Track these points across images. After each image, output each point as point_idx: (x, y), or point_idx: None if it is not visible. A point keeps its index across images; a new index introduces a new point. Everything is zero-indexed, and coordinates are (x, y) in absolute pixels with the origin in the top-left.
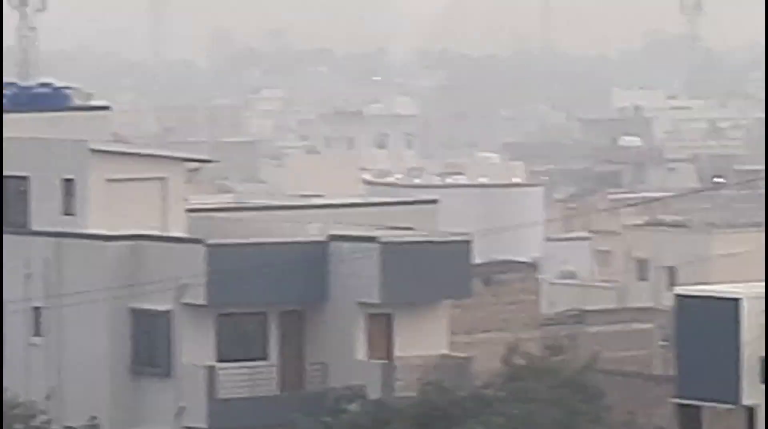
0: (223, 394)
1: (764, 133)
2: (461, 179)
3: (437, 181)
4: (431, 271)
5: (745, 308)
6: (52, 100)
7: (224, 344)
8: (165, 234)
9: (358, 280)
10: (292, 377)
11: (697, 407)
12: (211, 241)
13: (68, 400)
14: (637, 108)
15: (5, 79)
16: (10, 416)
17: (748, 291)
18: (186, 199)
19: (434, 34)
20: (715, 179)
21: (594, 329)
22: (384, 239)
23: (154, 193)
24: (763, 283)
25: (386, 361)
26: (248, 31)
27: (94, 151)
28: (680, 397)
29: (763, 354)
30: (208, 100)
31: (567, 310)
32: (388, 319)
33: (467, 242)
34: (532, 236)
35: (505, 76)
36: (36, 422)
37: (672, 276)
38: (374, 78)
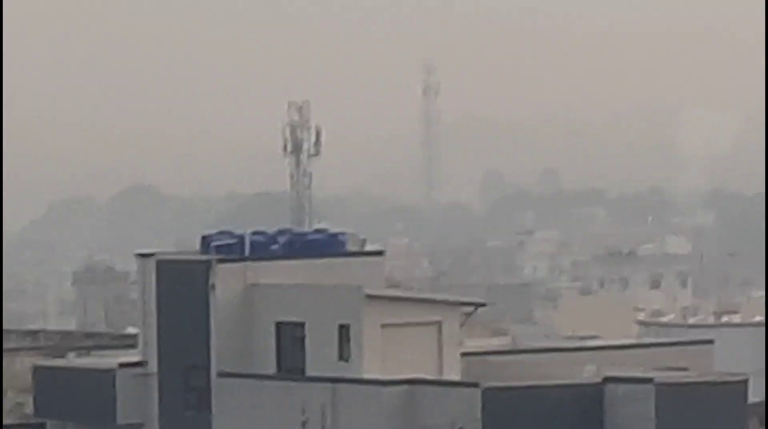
0: None
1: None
2: (736, 318)
3: (712, 320)
4: (708, 411)
5: None
6: (327, 245)
7: None
8: (440, 378)
9: (634, 421)
10: None
11: None
12: (487, 385)
13: None
14: None
15: (281, 226)
16: None
17: None
18: (461, 343)
19: (710, 173)
20: None
21: None
22: (660, 380)
23: (429, 338)
24: None
25: None
26: (520, 173)
27: (369, 296)
28: None
29: None
30: (481, 243)
31: None
32: None
33: (744, 382)
34: None
35: None
36: None
37: None
38: (648, 218)
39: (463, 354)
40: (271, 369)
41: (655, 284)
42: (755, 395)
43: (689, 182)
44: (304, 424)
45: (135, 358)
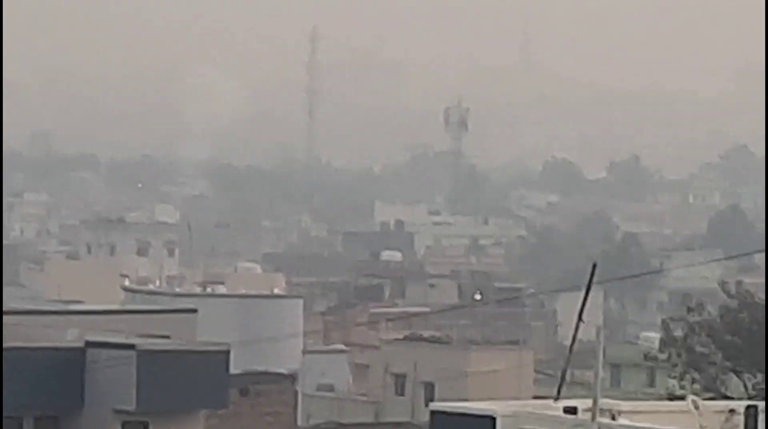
0: None
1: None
2: (221, 289)
3: (197, 290)
4: (188, 379)
5: (500, 426)
6: None
7: None
8: None
9: (115, 387)
10: None
11: None
12: None
13: None
14: (399, 223)
15: None
16: None
17: (503, 409)
18: None
19: (209, 144)
20: (475, 296)
21: None
22: (141, 347)
23: None
24: (517, 402)
25: None
26: (12, 133)
27: None
28: None
29: None
30: None
31: (323, 423)
32: (144, 427)
33: (225, 352)
34: (291, 348)
35: (269, 187)
36: None
37: (429, 391)
38: (138, 185)
39: None
40: None
41: (143, 251)
42: (236, 366)
43: (184, 151)
44: None
45: None
